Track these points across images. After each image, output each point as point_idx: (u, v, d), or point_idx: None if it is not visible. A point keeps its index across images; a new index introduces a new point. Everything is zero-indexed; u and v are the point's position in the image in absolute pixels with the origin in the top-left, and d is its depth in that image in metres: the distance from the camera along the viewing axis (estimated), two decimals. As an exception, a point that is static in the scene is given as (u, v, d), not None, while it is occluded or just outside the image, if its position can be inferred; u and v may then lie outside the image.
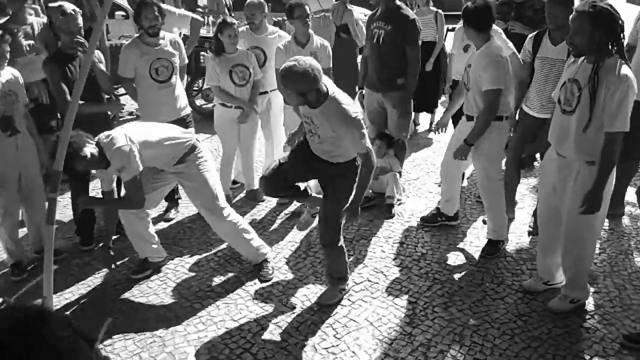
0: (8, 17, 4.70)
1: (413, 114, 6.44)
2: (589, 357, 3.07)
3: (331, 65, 4.85)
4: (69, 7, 4.01)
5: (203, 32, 7.65)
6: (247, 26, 5.06)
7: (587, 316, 3.41)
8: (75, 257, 4.21)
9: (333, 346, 3.20)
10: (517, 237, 4.37)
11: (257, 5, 4.93)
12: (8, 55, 3.66)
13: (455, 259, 4.11)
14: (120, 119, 7.40)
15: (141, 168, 3.39)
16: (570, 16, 3.04)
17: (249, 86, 4.75)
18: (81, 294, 3.76)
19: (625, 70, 2.90)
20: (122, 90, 7.06)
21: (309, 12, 4.71)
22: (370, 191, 4.99)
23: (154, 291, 3.77)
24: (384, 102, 4.85)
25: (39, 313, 1.21)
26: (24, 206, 3.98)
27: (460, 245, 4.28)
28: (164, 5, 4.97)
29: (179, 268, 4.05)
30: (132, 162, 3.33)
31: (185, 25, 5.26)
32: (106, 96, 4.33)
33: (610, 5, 2.96)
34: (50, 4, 4.40)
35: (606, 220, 4.40)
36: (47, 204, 2.90)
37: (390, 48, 4.59)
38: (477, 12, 3.71)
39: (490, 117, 3.75)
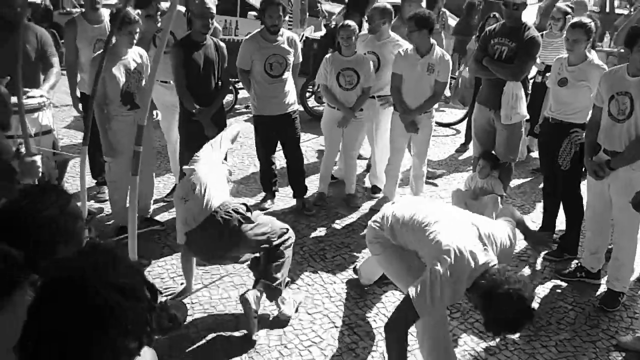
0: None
1: (528, 138, 6.15)
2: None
3: (447, 80, 4.75)
4: None
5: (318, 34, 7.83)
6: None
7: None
8: (175, 229, 4.46)
9: (401, 357, 3.13)
10: (623, 282, 4.01)
11: (379, 10, 4.97)
12: (136, 37, 3.95)
13: (548, 293, 3.85)
14: (237, 111, 7.79)
15: None
16: None
17: (356, 91, 4.77)
18: (172, 264, 3.99)
19: None
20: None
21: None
22: (468, 210, 4.82)
23: (238, 272, 3.91)
24: (495, 120, 4.68)
25: (111, 254, 1.30)
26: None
27: (557, 281, 4.00)
28: None
29: (265, 256, 4.16)
30: None
31: None
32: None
33: None
34: None
35: None
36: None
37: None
38: None
39: None
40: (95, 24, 4.57)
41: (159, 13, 4.55)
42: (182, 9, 4.77)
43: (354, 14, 5.37)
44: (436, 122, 6.45)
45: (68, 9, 11.26)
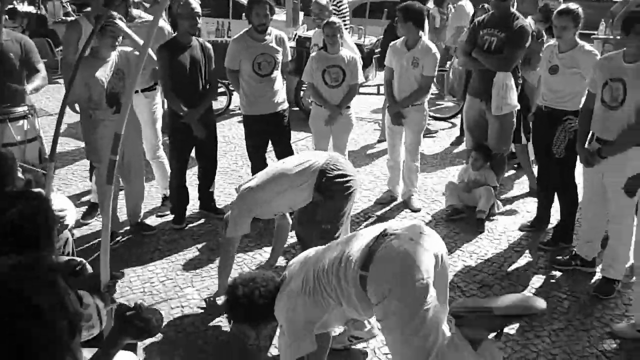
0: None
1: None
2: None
3: (433, 74, 4.73)
4: None
5: (310, 32, 7.80)
6: None
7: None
8: (166, 233, 4.47)
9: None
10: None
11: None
12: (116, 43, 3.86)
13: (542, 282, 3.82)
14: (231, 112, 7.78)
15: None
16: None
17: (342, 89, 4.74)
18: (163, 268, 3.97)
19: None
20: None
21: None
22: (461, 203, 4.80)
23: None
24: (486, 112, 4.65)
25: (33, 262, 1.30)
26: (124, 182, 4.27)
27: (552, 271, 3.96)
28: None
29: (257, 256, 4.15)
30: None
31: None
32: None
33: None
34: None
35: None
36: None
37: None
38: None
39: None
40: None
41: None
42: (163, 23, 4.73)
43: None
44: (431, 116, 6.44)
45: (62, 18, 11.30)
